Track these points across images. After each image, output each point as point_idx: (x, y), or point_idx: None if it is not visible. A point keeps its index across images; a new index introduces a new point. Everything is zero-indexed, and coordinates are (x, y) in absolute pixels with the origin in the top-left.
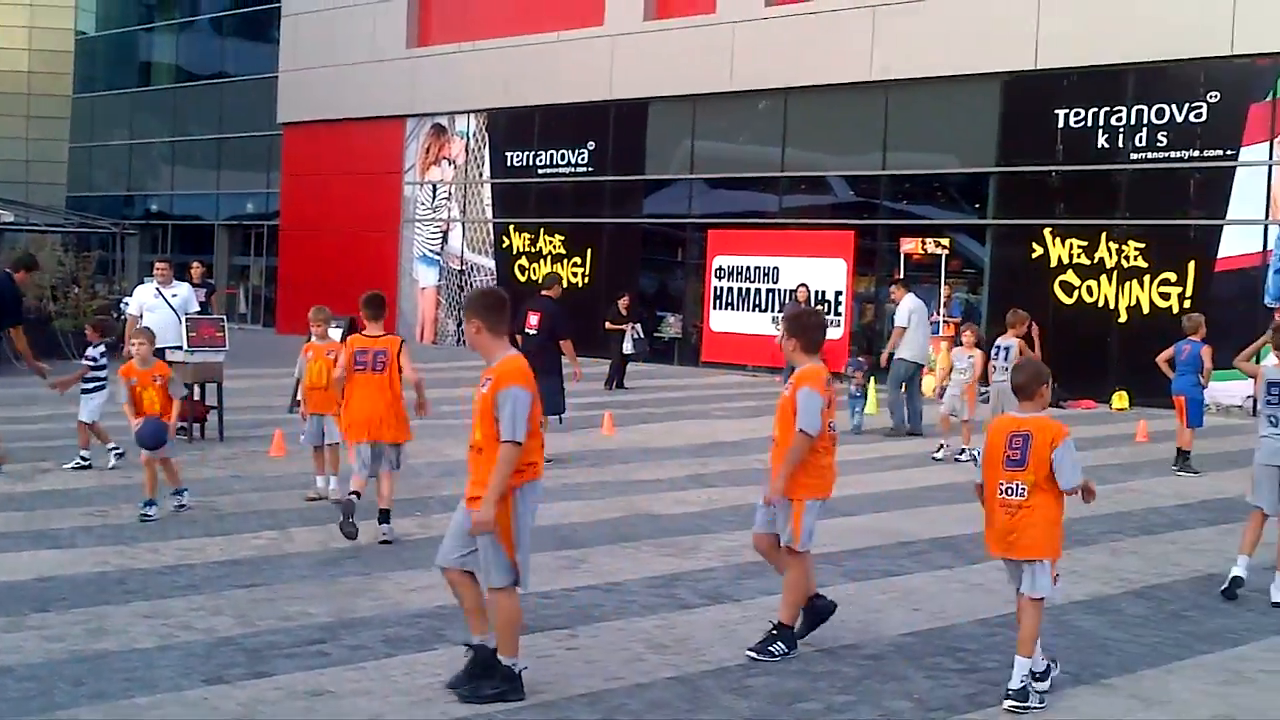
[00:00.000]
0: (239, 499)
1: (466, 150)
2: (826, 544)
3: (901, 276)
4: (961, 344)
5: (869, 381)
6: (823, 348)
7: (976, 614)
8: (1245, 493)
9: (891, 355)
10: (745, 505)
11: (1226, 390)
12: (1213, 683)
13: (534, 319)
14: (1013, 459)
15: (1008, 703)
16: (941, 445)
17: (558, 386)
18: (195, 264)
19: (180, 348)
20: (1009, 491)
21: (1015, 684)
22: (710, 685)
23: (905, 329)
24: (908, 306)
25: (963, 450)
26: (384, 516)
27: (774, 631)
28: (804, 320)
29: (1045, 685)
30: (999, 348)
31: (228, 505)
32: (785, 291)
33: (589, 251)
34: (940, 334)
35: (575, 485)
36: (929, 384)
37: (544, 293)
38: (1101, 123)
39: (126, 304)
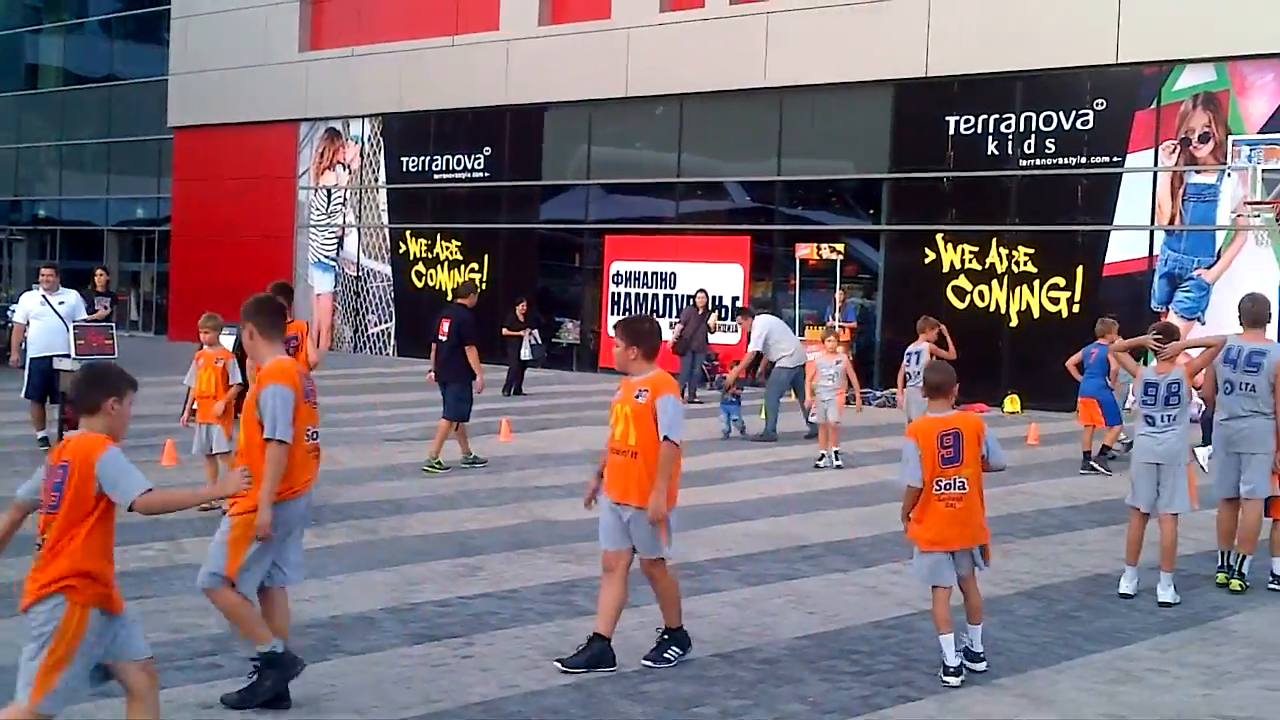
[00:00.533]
0: None
1: (361, 155)
2: (723, 549)
3: (745, 307)
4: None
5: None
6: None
7: (870, 616)
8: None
9: (738, 379)
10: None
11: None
12: (1101, 682)
13: (445, 326)
14: (947, 457)
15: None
16: (822, 455)
17: (462, 394)
18: (100, 271)
19: (68, 356)
20: (949, 487)
21: (977, 646)
22: (606, 692)
23: (759, 351)
24: (759, 330)
25: (822, 456)
26: None
27: (665, 638)
28: (642, 328)
29: (981, 666)
30: (910, 353)
31: (116, 516)
32: (684, 297)
33: (486, 257)
34: (839, 337)
35: (472, 492)
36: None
37: (459, 301)
38: (991, 130)
39: (13, 312)
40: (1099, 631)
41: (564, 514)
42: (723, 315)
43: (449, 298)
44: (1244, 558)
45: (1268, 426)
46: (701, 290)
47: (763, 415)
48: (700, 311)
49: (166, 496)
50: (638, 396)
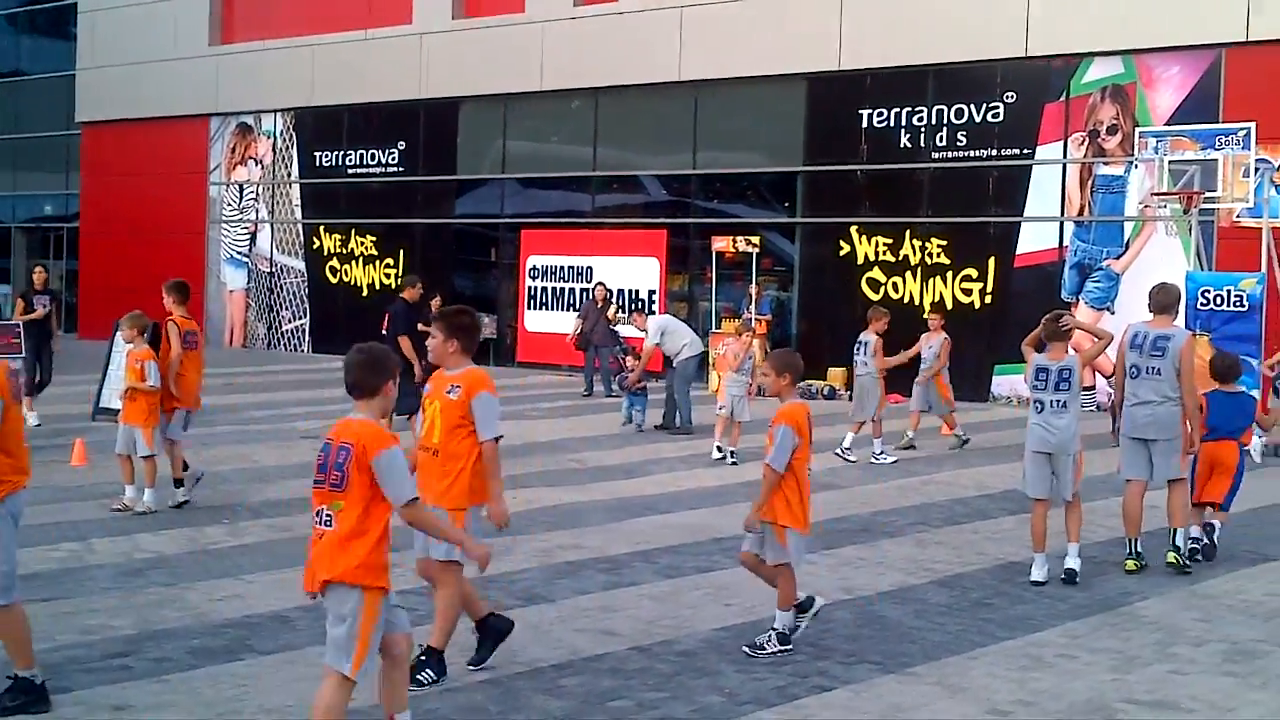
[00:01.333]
0: (38, 510)
1: (274, 150)
2: (641, 542)
3: (639, 307)
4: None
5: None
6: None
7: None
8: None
9: (641, 378)
10: (561, 505)
11: (1009, 382)
12: (1013, 668)
13: (385, 320)
14: None
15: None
16: (719, 448)
17: (403, 387)
18: (39, 269)
19: None
20: None
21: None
22: (523, 686)
23: (658, 345)
24: (653, 328)
25: (718, 449)
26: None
27: (422, 658)
28: (461, 321)
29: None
30: (860, 343)
31: (25, 516)
32: (582, 291)
33: (401, 252)
34: (754, 330)
35: None
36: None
37: (401, 294)
38: (904, 123)
39: None
40: (1011, 619)
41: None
42: (639, 308)
43: (362, 294)
44: (1176, 531)
45: (1175, 413)
46: (600, 284)
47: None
48: (599, 305)
49: (426, 515)
50: (449, 392)
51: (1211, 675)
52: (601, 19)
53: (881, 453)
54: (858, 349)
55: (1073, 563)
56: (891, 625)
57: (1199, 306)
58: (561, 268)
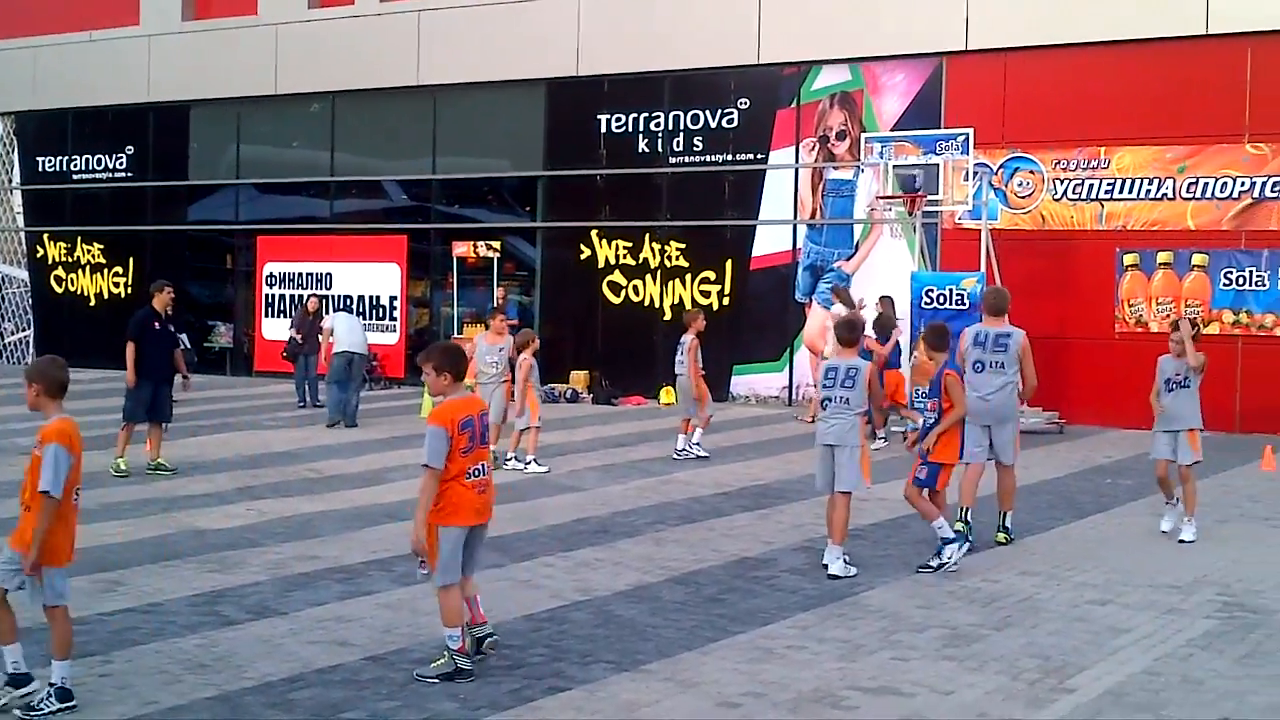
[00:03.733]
0: None
1: None
2: (379, 550)
3: (319, 309)
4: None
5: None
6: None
7: (523, 610)
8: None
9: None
10: (295, 516)
11: (765, 382)
12: (744, 661)
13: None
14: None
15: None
16: (511, 457)
17: (128, 393)
18: None
19: None
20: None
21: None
22: (252, 701)
23: (332, 344)
24: (326, 325)
25: (510, 456)
26: None
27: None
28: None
29: None
30: (679, 344)
31: None
32: (340, 297)
33: (131, 260)
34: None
35: (115, 505)
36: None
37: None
38: (642, 128)
39: None
40: (744, 613)
41: (213, 522)
42: (380, 315)
43: (90, 303)
44: (1005, 514)
45: (1013, 398)
46: (314, 296)
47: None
48: (310, 316)
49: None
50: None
51: (932, 660)
52: (337, 22)
53: (684, 449)
54: (678, 350)
55: (835, 568)
56: (627, 624)
57: (923, 305)
58: (300, 274)
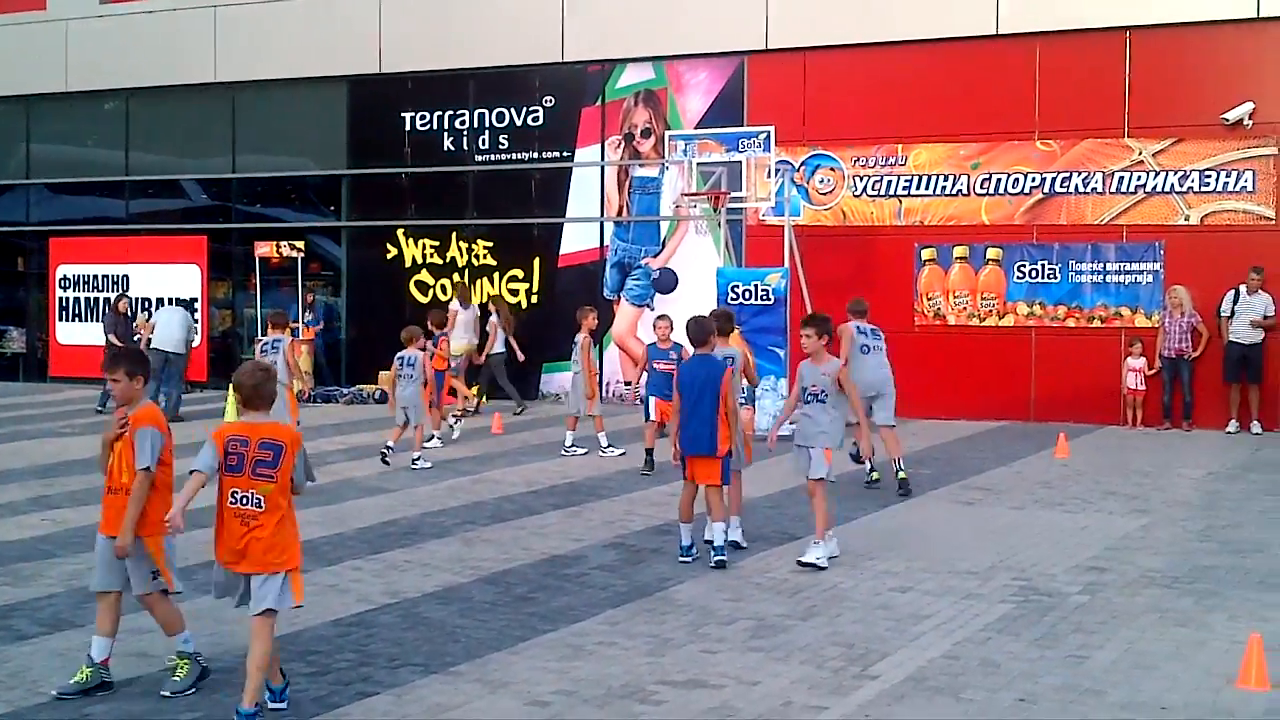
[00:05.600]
0: None
1: None
2: (179, 559)
3: (129, 310)
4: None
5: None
6: None
7: (330, 615)
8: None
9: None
10: (93, 526)
11: (557, 380)
12: (554, 659)
13: None
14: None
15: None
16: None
17: None
18: None
19: None
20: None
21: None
22: (48, 718)
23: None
24: (152, 321)
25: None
26: None
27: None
28: None
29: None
30: (574, 343)
31: None
32: (139, 300)
33: None
34: (301, 337)
35: None
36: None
37: None
38: (447, 126)
39: None
40: (554, 611)
41: (6, 533)
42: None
43: None
44: (899, 460)
45: (890, 375)
46: (123, 296)
47: None
48: (121, 317)
49: None
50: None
51: (739, 652)
52: (130, 18)
53: (572, 445)
54: (573, 349)
55: (735, 535)
56: (436, 626)
57: (730, 301)
58: (96, 277)
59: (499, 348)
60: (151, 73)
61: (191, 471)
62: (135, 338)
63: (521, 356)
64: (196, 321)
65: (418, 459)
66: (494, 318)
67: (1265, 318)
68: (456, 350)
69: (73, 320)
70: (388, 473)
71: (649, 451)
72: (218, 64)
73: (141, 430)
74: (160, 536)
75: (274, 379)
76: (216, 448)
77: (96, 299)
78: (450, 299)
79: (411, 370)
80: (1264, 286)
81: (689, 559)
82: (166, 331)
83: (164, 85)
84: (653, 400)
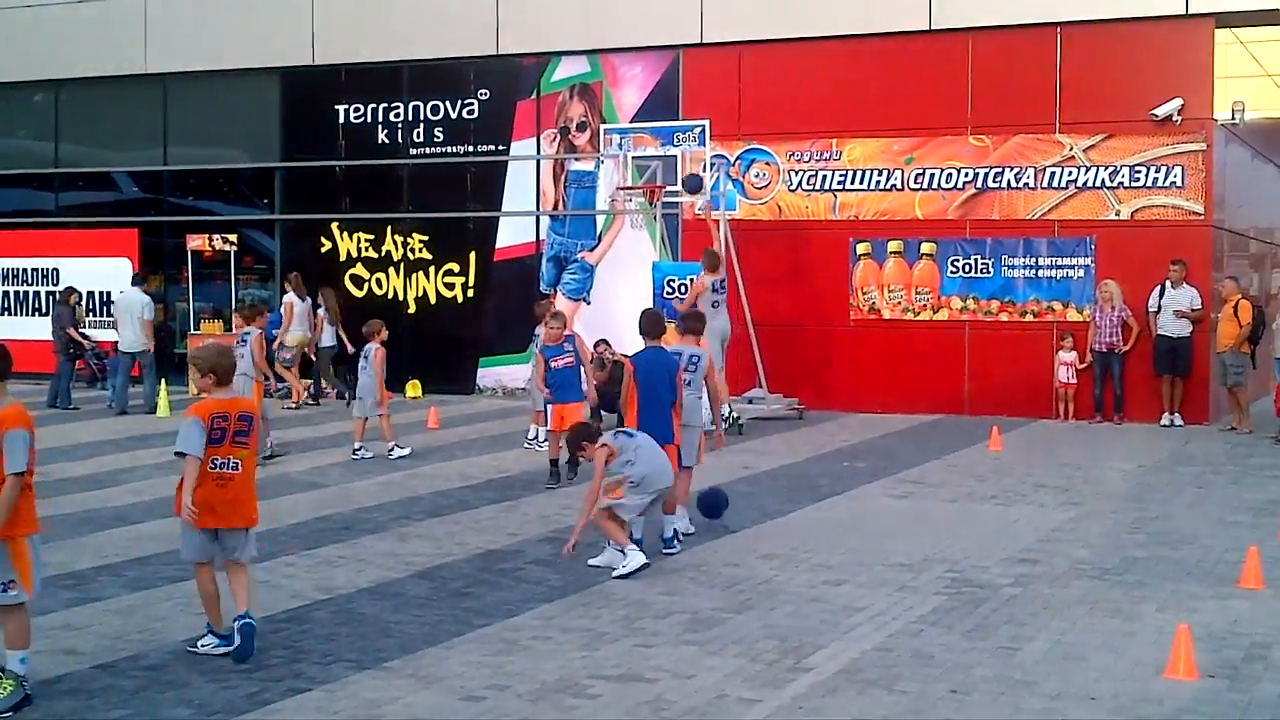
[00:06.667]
0: None
1: None
2: (109, 555)
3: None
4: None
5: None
6: None
7: (263, 611)
8: None
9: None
10: None
11: (511, 374)
12: (489, 654)
13: None
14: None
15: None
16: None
17: None
18: None
19: None
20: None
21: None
22: None
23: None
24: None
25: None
26: None
27: None
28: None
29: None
30: (364, 353)
31: None
32: (52, 294)
33: None
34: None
35: None
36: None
37: None
38: (381, 119)
39: None
40: (489, 605)
41: None
42: (111, 311)
43: None
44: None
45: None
46: (72, 290)
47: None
48: (70, 309)
49: None
50: None
51: (674, 645)
52: (59, 7)
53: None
54: (533, 341)
55: (681, 525)
56: (370, 621)
57: (665, 295)
58: (24, 270)
59: (328, 340)
60: (82, 64)
61: (185, 456)
62: (83, 330)
63: (350, 349)
64: (148, 296)
65: (387, 449)
66: (321, 311)
67: (1192, 310)
68: (291, 343)
69: (1, 315)
70: (324, 467)
71: (554, 463)
72: (149, 55)
73: (11, 433)
74: (24, 539)
75: (230, 353)
76: (203, 426)
77: (26, 293)
78: (286, 291)
79: (365, 363)
80: (1187, 279)
81: (673, 550)
82: (125, 334)
83: (94, 76)
84: (550, 409)
